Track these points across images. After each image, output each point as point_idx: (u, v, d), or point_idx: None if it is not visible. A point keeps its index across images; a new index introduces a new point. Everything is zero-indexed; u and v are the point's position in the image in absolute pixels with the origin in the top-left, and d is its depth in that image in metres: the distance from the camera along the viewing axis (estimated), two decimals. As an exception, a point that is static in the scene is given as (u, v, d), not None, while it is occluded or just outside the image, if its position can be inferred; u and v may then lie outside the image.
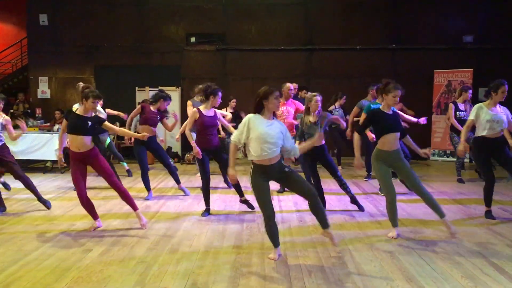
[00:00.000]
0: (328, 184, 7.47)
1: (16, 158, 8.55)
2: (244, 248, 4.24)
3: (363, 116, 6.19)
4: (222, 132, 8.49)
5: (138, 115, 6.52)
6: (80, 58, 11.11)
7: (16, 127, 6.22)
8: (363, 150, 8.07)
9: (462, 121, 7.10)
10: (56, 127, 9.70)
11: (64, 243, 4.41)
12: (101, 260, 3.94)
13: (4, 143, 5.69)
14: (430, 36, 10.83)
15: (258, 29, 11.07)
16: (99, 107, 6.40)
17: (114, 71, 11.03)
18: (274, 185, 6.99)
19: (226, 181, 7.14)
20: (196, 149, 5.36)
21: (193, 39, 10.92)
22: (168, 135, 10.90)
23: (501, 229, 4.86)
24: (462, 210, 5.68)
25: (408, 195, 6.55)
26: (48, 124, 10.20)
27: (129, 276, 3.57)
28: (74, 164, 4.74)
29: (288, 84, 6.82)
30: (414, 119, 6.36)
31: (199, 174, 5.90)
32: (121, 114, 7.82)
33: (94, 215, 4.90)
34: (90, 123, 4.70)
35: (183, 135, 6.20)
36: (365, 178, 7.83)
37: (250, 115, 3.84)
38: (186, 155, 10.33)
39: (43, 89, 11.25)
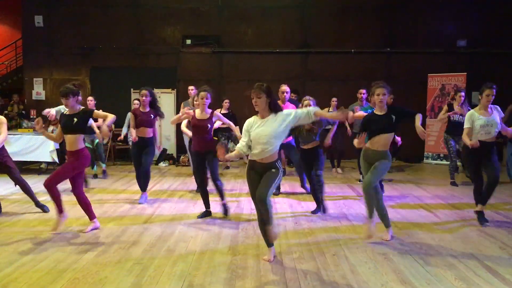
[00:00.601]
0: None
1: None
2: (239, 250, 4.26)
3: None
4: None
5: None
6: (76, 60, 11.09)
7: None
8: (356, 153, 8.14)
9: (457, 124, 7.13)
10: (50, 128, 9.66)
11: (59, 244, 4.41)
12: (97, 261, 3.94)
13: (3, 146, 5.67)
14: (424, 40, 10.95)
15: (254, 32, 11.12)
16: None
17: (110, 73, 11.01)
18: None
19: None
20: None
21: (189, 41, 10.94)
22: (164, 137, 10.92)
23: (494, 231, 4.92)
24: (455, 213, 5.73)
25: (402, 198, 6.61)
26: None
27: (125, 278, 3.58)
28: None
29: (284, 87, 6.85)
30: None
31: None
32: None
33: (91, 215, 4.91)
34: (75, 119, 4.71)
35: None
36: (359, 181, 7.88)
37: (248, 120, 3.89)
38: (181, 157, 10.33)
39: (38, 91, 11.21)
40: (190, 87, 8.08)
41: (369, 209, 4.55)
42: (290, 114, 3.80)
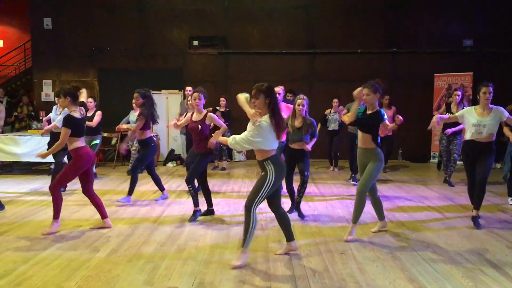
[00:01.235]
0: (330, 187, 7.57)
1: (20, 160, 8.72)
2: (248, 248, 4.31)
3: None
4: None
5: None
6: (84, 61, 11.21)
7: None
8: (349, 152, 8.21)
9: (451, 124, 7.05)
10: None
11: (71, 243, 4.49)
12: (109, 260, 4.02)
13: None
14: (430, 40, 10.95)
15: (260, 33, 11.18)
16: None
17: (118, 74, 11.11)
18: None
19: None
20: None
21: (195, 43, 11.01)
22: (171, 138, 11.01)
23: (501, 230, 4.95)
24: (462, 213, 5.76)
25: (409, 198, 6.64)
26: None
27: (137, 275, 3.66)
28: None
29: (277, 88, 6.85)
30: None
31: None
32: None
33: (103, 214, 5.01)
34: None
35: None
36: (351, 181, 7.82)
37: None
38: (189, 157, 10.41)
39: (47, 92, 11.34)
40: (188, 88, 8.18)
41: (356, 214, 4.60)
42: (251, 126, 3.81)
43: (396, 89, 10.16)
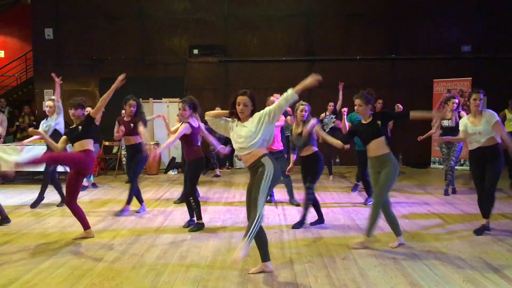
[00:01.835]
0: (331, 194, 7.60)
1: (23, 169, 8.74)
2: (251, 255, 4.33)
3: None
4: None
5: None
6: (85, 71, 11.29)
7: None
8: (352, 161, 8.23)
9: (447, 129, 7.04)
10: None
11: (75, 252, 4.52)
12: (112, 267, 4.05)
13: None
14: (428, 46, 11.04)
15: (260, 41, 11.27)
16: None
17: (118, 83, 11.15)
18: (279, 195, 7.11)
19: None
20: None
21: (196, 51, 11.10)
22: (173, 146, 11.03)
23: (502, 234, 4.97)
24: (463, 218, 5.78)
25: (410, 203, 6.67)
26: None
27: (141, 283, 3.68)
28: None
29: (272, 98, 6.95)
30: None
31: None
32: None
33: (85, 224, 5.03)
34: (80, 127, 5.15)
35: None
36: (352, 190, 7.78)
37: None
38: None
39: (48, 102, 11.38)
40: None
41: (371, 226, 4.46)
42: (260, 116, 3.74)
43: (395, 95, 10.21)
